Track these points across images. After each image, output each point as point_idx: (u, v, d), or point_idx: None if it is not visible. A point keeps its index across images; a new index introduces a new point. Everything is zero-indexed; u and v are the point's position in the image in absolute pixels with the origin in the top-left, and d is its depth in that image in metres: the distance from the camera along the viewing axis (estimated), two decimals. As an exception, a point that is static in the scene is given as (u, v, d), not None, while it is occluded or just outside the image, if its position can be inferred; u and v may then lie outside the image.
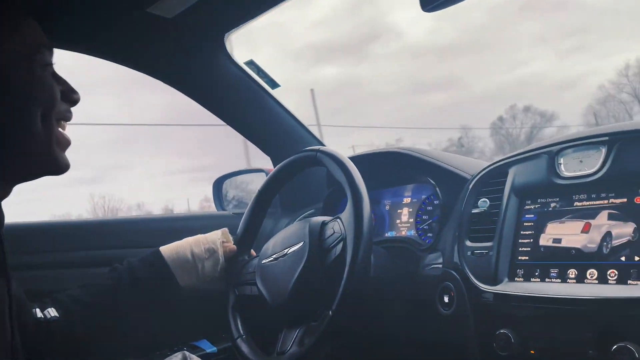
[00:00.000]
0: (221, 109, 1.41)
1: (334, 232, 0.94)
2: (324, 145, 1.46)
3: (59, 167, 0.70)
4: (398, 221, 1.31)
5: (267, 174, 1.44)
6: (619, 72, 28.17)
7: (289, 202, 1.60)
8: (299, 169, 1.12)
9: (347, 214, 0.92)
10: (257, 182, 1.57)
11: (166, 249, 1.01)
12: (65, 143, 0.71)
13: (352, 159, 1.01)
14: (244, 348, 0.98)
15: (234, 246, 1.09)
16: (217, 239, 1.06)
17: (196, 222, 1.56)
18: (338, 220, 0.96)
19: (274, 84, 1.38)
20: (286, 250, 0.99)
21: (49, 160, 0.69)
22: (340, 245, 0.91)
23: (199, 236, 1.05)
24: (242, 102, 1.40)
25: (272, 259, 1.01)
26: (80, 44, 1.12)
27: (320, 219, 1.01)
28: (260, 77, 1.37)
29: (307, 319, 0.90)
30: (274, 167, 1.27)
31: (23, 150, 0.66)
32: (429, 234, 1.20)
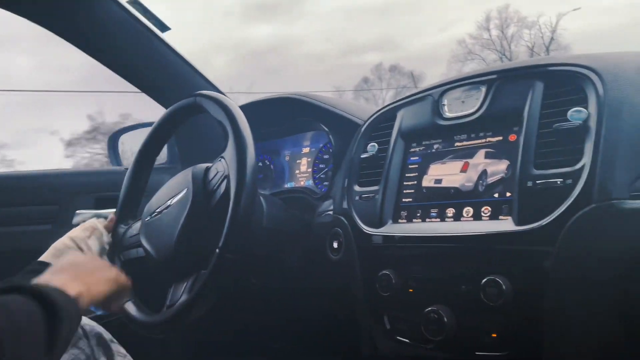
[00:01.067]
0: (107, 56, 1.29)
1: (217, 172, 0.89)
2: (221, 91, 1.38)
3: None
4: (297, 171, 1.29)
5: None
6: (479, 25, 25.68)
7: (189, 156, 1.52)
8: (181, 118, 1.04)
9: (229, 150, 0.87)
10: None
11: (46, 256, 0.89)
12: None
13: (246, 105, 0.95)
14: (131, 310, 0.92)
15: (112, 216, 1.02)
16: (94, 220, 0.97)
17: (92, 177, 1.45)
18: (221, 159, 0.90)
19: (163, 27, 1.28)
20: (169, 202, 0.93)
21: None
22: (225, 183, 0.86)
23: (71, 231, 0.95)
24: (129, 47, 1.29)
25: (155, 214, 0.95)
26: None
27: (204, 165, 0.96)
28: (147, 18, 1.26)
29: (198, 267, 0.86)
30: None
31: None
32: (325, 183, 1.19)
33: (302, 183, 1.26)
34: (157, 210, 0.95)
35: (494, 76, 0.85)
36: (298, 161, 1.29)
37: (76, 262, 0.75)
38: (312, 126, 1.22)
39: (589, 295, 0.68)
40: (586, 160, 0.69)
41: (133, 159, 1.09)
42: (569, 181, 0.69)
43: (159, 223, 0.94)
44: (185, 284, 0.85)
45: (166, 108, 1.46)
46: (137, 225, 1.00)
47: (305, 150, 1.28)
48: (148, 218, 0.96)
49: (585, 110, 0.72)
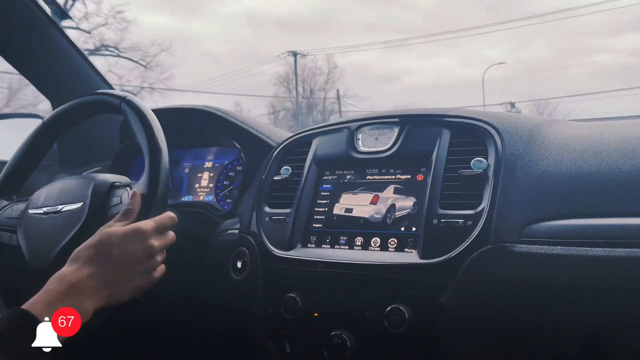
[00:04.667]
0: None
1: (121, 202, 0.83)
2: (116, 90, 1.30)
3: None
4: (197, 185, 1.25)
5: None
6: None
7: (69, 156, 1.40)
8: (92, 113, 0.96)
9: (141, 185, 0.82)
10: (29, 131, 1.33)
11: None
12: None
13: (157, 111, 0.91)
14: None
15: None
16: None
17: None
18: (128, 188, 0.85)
19: (63, 14, 1.17)
20: (61, 207, 0.85)
21: None
22: (129, 203, 0.81)
23: None
24: (19, 31, 1.16)
25: (41, 211, 0.85)
26: None
27: (109, 178, 0.89)
28: (46, 3, 1.15)
29: None
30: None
31: None
32: (228, 200, 1.17)
33: (201, 198, 1.22)
34: (44, 209, 0.86)
35: (406, 119, 0.93)
36: (199, 175, 1.25)
37: None
38: (219, 141, 1.20)
39: (479, 328, 0.76)
40: (484, 205, 0.78)
41: (33, 131, 0.97)
42: (469, 222, 0.78)
43: (42, 225, 0.85)
44: None
45: (50, 99, 1.34)
46: (17, 208, 0.90)
47: (208, 164, 1.24)
48: (33, 211, 0.86)
49: (485, 160, 0.81)
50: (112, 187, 0.86)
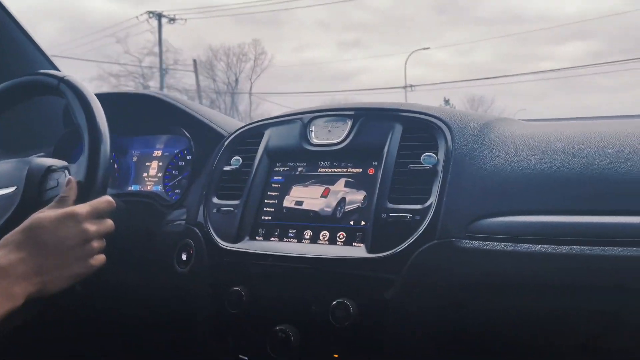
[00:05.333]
0: None
1: (58, 185, 0.79)
2: (59, 71, 1.24)
3: None
4: (145, 174, 1.20)
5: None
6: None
7: (10, 140, 1.32)
8: (29, 95, 0.91)
9: (78, 167, 0.78)
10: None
11: None
12: None
13: (101, 95, 0.87)
14: None
15: None
16: None
17: None
18: (66, 171, 0.81)
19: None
20: None
21: None
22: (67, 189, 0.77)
23: None
24: None
25: None
26: None
27: (45, 161, 0.84)
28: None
29: None
30: None
31: None
32: (177, 190, 1.13)
33: (149, 187, 1.18)
34: None
35: (360, 112, 0.92)
36: (147, 164, 1.21)
37: None
38: (169, 129, 1.16)
39: (425, 322, 0.75)
40: (433, 200, 0.77)
41: None
42: (417, 217, 0.77)
43: None
44: None
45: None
46: None
47: (157, 153, 1.20)
48: None
49: (435, 156, 0.81)
50: (49, 170, 0.82)
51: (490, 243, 0.73)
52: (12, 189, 0.79)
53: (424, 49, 26.99)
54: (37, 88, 0.87)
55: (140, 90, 1.16)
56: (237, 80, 24.60)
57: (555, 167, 0.75)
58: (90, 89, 0.83)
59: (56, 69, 1.21)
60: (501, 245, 0.72)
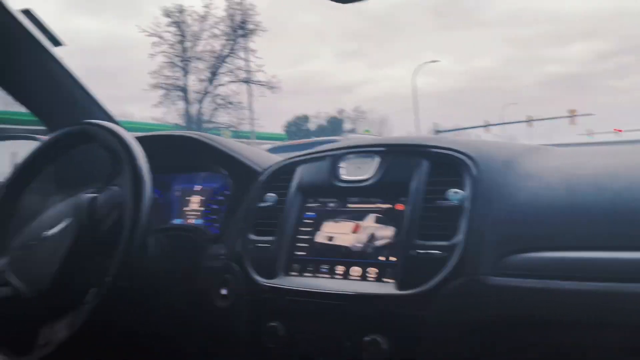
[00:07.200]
0: None
1: (106, 201, 0.87)
2: (114, 119, 1.32)
3: None
4: (187, 209, 1.26)
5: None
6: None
7: (66, 177, 1.42)
8: (78, 143, 0.99)
9: (124, 180, 0.85)
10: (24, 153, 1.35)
11: None
12: None
13: (142, 138, 0.93)
14: None
15: None
16: None
17: None
18: (114, 187, 0.88)
19: (55, 41, 1.20)
20: (45, 234, 0.87)
21: None
22: (115, 212, 0.84)
23: None
24: (15, 59, 1.18)
25: (27, 247, 0.88)
26: None
27: (89, 194, 0.92)
28: (40, 30, 1.18)
29: (76, 303, 0.81)
30: None
31: None
32: (216, 225, 1.18)
33: (191, 221, 1.24)
34: (29, 244, 0.88)
35: (386, 148, 0.94)
36: (188, 198, 1.27)
37: None
38: (208, 167, 1.22)
39: (456, 358, 0.76)
40: (461, 237, 0.79)
41: (5, 182, 1.00)
42: (446, 254, 0.79)
43: (33, 257, 0.87)
44: (62, 321, 0.80)
45: (51, 131, 1.37)
46: (1, 261, 0.92)
47: (198, 188, 1.26)
48: (18, 252, 0.89)
49: (462, 191, 0.83)
50: (94, 198, 0.89)
51: (519, 280, 0.73)
52: (66, 221, 0.86)
53: (433, 61, 26.42)
54: (85, 137, 0.95)
55: (179, 132, 1.23)
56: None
57: (583, 201, 0.75)
58: (131, 137, 0.90)
59: (110, 115, 1.30)
60: (530, 282, 0.72)
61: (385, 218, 0.89)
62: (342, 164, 0.97)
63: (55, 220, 0.89)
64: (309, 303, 0.87)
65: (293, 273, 0.93)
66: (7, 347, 0.85)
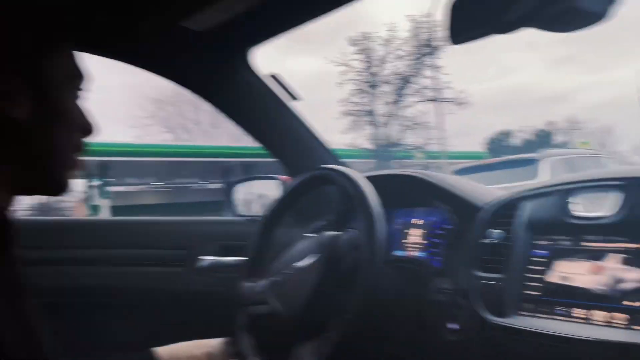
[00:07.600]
0: (242, 120, 1.44)
1: (347, 242, 0.98)
2: (339, 161, 1.48)
3: (64, 190, 0.72)
4: (407, 242, 1.33)
5: (279, 182, 1.48)
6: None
7: (302, 211, 1.63)
8: (310, 188, 1.15)
9: (360, 223, 0.96)
10: (269, 189, 1.59)
11: (164, 352, 1.00)
12: (79, 168, 0.74)
13: (369, 178, 1.04)
14: None
15: None
16: (219, 347, 1.05)
17: (215, 226, 1.60)
18: (352, 230, 0.99)
19: (294, 97, 1.41)
20: (298, 264, 1.03)
21: (62, 183, 0.71)
22: (355, 253, 0.95)
23: (199, 341, 1.05)
24: (262, 114, 1.43)
25: (283, 275, 1.04)
26: (117, 52, 1.17)
27: (332, 232, 1.04)
28: (283, 89, 1.40)
29: (321, 330, 0.94)
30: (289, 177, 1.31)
31: (47, 169, 0.69)
32: (438, 258, 1.22)
33: (413, 253, 1.30)
34: (285, 272, 1.05)
35: (632, 182, 0.86)
36: (407, 231, 1.34)
37: None
38: (427, 202, 1.27)
39: None
40: None
41: (261, 222, 1.20)
42: None
43: (287, 284, 1.03)
44: (311, 345, 0.93)
45: (289, 174, 1.61)
46: (262, 283, 1.10)
47: (419, 221, 1.32)
48: (276, 278, 1.05)
49: None
50: (338, 236, 1.01)
51: None
52: (315, 257, 1.00)
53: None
54: (326, 180, 1.10)
55: (402, 170, 1.33)
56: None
57: None
58: (365, 181, 1.01)
59: (336, 158, 1.47)
60: None
61: (632, 258, 0.82)
62: (573, 200, 0.93)
63: (303, 254, 1.04)
64: (545, 346, 0.84)
65: (524, 313, 0.91)
66: (263, 355, 1.02)
